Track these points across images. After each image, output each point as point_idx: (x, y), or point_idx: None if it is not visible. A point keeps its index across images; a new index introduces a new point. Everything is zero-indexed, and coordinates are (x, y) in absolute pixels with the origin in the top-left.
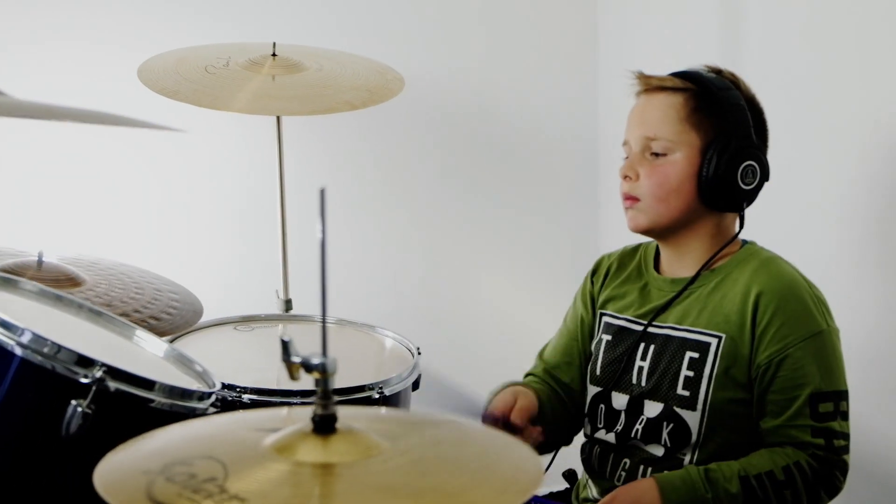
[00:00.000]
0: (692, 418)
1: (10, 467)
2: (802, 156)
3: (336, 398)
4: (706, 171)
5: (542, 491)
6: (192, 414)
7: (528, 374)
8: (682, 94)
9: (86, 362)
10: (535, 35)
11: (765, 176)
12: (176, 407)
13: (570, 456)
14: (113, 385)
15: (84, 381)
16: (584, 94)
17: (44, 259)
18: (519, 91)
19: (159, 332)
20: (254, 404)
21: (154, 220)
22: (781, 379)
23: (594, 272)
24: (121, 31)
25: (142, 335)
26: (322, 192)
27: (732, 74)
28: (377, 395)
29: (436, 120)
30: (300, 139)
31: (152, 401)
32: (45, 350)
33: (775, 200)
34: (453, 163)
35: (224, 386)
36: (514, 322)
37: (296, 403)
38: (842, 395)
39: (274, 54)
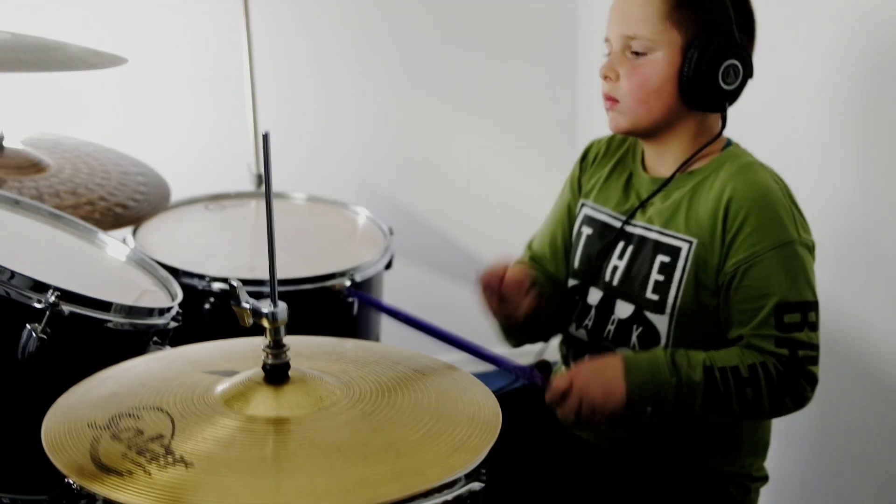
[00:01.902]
0: (661, 322)
1: None
2: (781, 32)
3: (309, 286)
4: (687, 71)
5: (517, 383)
6: (151, 331)
7: (518, 262)
8: None
9: (40, 287)
10: None
11: (748, 73)
12: (134, 326)
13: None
14: (67, 308)
15: (38, 305)
16: None
17: (4, 144)
18: None
19: (126, 221)
20: (223, 294)
21: (119, 94)
22: (747, 287)
23: (583, 158)
24: None
25: (103, 238)
26: (266, 137)
27: None
28: (349, 282)
29: None
30: (267, 18)
31: (109, 321)
32: None
33: (755, 77)
34: (429, 23)
35: (193, 275)
36: (495, 186)
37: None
38: (809, 306)
39: None
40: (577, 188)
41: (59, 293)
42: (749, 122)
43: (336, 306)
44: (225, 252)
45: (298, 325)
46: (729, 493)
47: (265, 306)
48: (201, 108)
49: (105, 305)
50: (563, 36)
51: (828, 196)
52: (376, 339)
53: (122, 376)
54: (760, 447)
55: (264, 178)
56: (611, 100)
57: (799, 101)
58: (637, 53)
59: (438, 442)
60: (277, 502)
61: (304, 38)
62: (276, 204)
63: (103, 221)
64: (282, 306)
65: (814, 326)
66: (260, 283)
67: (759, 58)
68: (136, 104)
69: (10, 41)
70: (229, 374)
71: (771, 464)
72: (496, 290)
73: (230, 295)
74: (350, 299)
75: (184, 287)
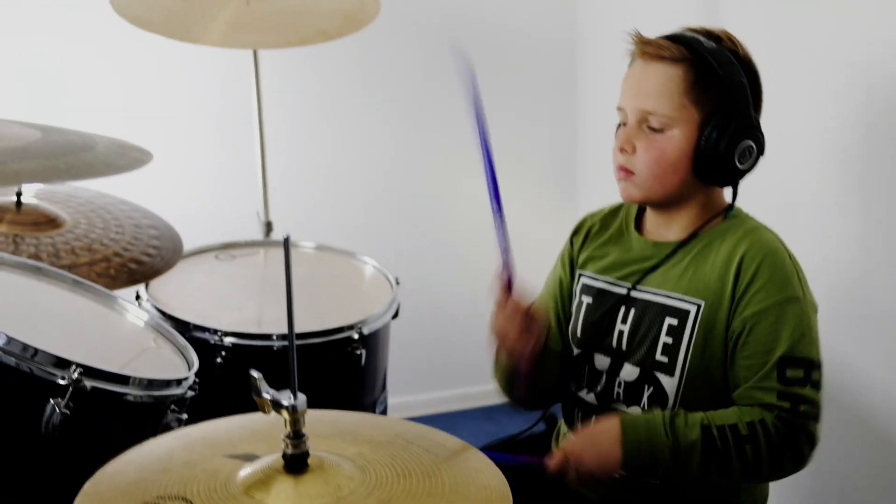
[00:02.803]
0: (670, 383)
1: None
2: (785, 89)
3: (318, 339)
4: (704, 149)
5: (523, 433)
6: (169, 400)
7: None
8: (681, 66)
9: (62, 363)
10: None
11: (761, 152)
12: (153, 397)
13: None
14: (89, 384)
15: (61, 382)
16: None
17: (23, 199)
18: None
19: (140, 276)
20: (234, 348)
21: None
22: (753, 342)
23: (575, 233)
24: None
25: (123, 304)
26: (286, 241)
27: (730, 37)
28: (356, 335)
29: (414, 33)
30: (278, 60)
31: (129, 394)
32: (22, 353)
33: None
34: (433, 73)
35: (205, 329)
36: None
37: (276, 348)
38: (813, 365)
39: None
40: (571, 263)
41: (81, 369)
42: (751, 178)
43: (344, 357)
44: (235, 304)
45: (308, 376)
46: None
47: (285, 398)
48: (212, 155)
49: (125, 379)
50: (564, 83)
51: (829, 251)
52: (383, 388)
53: (145, 459)
54: (759, 500)
55: (286, 282)
56: (626, 171)
57: (801, 158)
58: (654, 129)
59: None
60: None
61: (312, 88)
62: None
63: (118, 278)
64: (301, 399)
65: (816, 385)
66: (267, 337)
67: (763, 118)
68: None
69: (39, 142)
70: (250, 458)
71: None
72: (522, 316)
73: (252, 384)
74: (358, 351)
75: (196, 340)
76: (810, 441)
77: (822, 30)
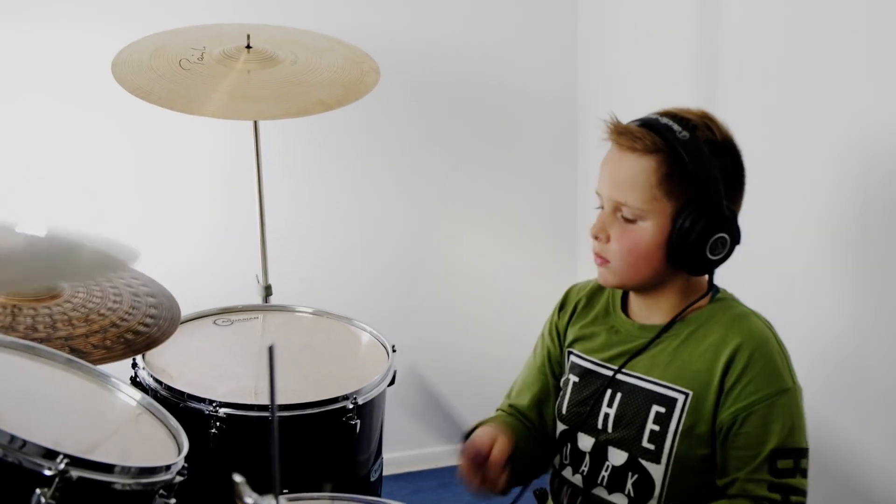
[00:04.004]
0: (656, 471)
1: None
2: (779, 160)
3: (313, 410)
4: (675, 240)
5: None
6: (157, 486)
7: (498, 410)
8: (654, 158)
9: (50, 455)
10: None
11: (735, 242)
12: (140, 485)
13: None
14: (76, 473)
15: (48, 472)
16: (563, 56)
17: None
18: (498, 59)
19: (137, 347)
20: (229, 418)
21: (130, 208)
22: (744, 435)
23: (562, 306)
24: (96, 20)
25: (116, 382)
26: (271, 350)
27: (707, 123)
28: (351, 405)
29: (414, 99)
30: (279, 126)
31: (116, 483)
32: (9, 444)
33: (753, 204)
34: (432, 138)
35: (200, 399)
36: (500, 290)
37: (267, 417)
38: (802, 454)
39: (248, 46)
40: (558, 335)
41: (68, 460)
42: (744, 249)
43: (339, 427)
44: (232, 373)
45: (302, 445)
46: None
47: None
48: (212, 219)
49: (111, 468)
50: (565, 145)
51: (822, 322)
52: (377, 454)
53: None
54: None
55: (269, 390)
56: (601, 259)
57: (795, 229)
58: (627, 219)
59: None
60: None
61: (312, 154)
62: (281, 318)
63: (115, 349)
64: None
65: (804, 473)
66: (263, 408)
67: (752, 185)
68: (147, 214)
69: (27, 247)
70: None
71: None
72: (480, 468)
73: (235, 489)
74: (353, 421)
75: (191, 410)
76: None
77: (819, 102)
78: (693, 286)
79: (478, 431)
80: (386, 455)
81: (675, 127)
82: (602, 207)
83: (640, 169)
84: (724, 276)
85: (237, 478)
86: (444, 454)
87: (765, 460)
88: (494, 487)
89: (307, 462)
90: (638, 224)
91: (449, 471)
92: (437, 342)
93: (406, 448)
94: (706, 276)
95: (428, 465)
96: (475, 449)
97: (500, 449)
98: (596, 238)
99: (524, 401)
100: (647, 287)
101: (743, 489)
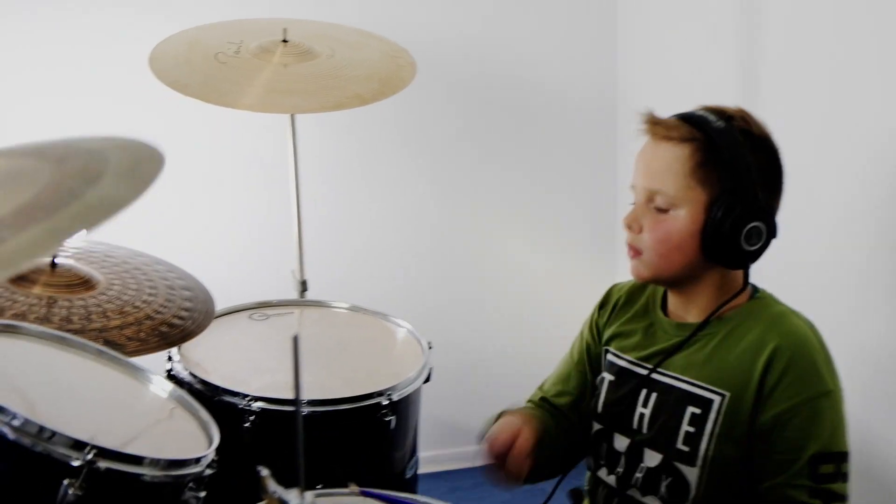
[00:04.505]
0: (691, 473)
1: None
2: (820, 161)
3: (347, 406)
4: (709, 230)
5: None
6: (187, 479)
7: (528, 401)
8: (688, 146)
9: (78, 446)
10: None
11: (771, 234)
12: (169, 477)
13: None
14: (104, 465)
15: (75, 463)
16: (603, 56)
17: (57, 260)
18: (536, 56)
19: (172, 340)
20: (263, 413)
21: (167, 202)
22: (784, 440)
23: (602, 304)
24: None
25: (148, 375)
26: (295, 341)
27: (744, 116)
28: (386, 402)
29: (450, 96)
30: (316, 121)
31: (144, 475)
32: (38, 434)
33: (793, 204)
34: (472, 129)
35: (234, 394)
36: (537, 289)
37: (306, 414)
38: (844, 458)
39: (285, 40)
40: (597, 333)
41: (96, 450)
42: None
43: (374, 423)
44: (266, 367)
45: (337, 442)
46: None
47: (293, 498)
48: (249, 214)
49: (140, 460)
50: (604, 145)
51: (861, 325)
52: (413, 452)
53: None
54: None
55: (294, 381)
56: (634, 250)
57: (834, 232)
58: (660, 209)
59: None
60: None
61: (349, 148)
62: (317, 313)
63: (149, 342)
64: (308, 499)
65: (845, 477)
66: (296, 402)
67: (793, 185)
68: (184, 209)
69: (51, 181)
70: None
71: None
72: (502, 460)
73: (261, 483)
74: (388, 418)
75: (225, 404)
76: None
77: (863, 95)
78: (729, 283)
79: (499, 423)
80: (422, 453)
81: (711, 117)
82: (634, 204)
83: (674, 157)
84: (763, 277)
85: (263, 471)
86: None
87: (805, 465)
88: (518, 477)
89: (341, 458)
90: (671, 213)
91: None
92: (472, 340)
93: (443, 446)
94: (742, 274)
95: (465, 464)
96: (497, 444)
97: (524, 439)
98: (629, 228)
99: (557, 393)
100: (682, 281)
101: (783, 495)
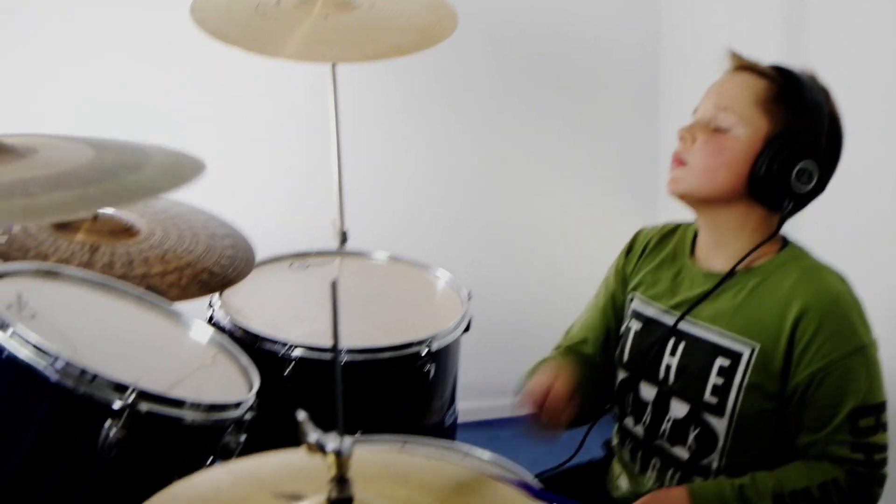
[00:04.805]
0: (719, 425)
1: (50, 487)
2: (863, 127)
3: (387, 355)
4: (763, 158)
5: (583, 457)
6: (227, 423)
7: (556, 348)
8: (766, 80)
9: (119, 388)
10: None
11: (820, 186)
12: (210, 421)
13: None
14: (145, 407)
15: (117, 405)
16: (646, 8)
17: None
18: (580, 10)
19: (212, 287)
20: (302, 361)
21: (209, 153)
22: (822, 395)
23: (629, 249)
24: None
25: (187, 319)
26: (334, 286)
27: (826, 86)
28: (425, 351)
29: (492, 44)
30: (357, 71)
31: (184, 418)
32: (80, 376)
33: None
34: (513, 80)
35: (275, 342)
36: (575, 241)
37: (345, 362)
38: (882, 408)
39: None
40: (624, 279)
41: (137, 393)
42: (834, 201)
43: (413, 373)
44: (306, 316)
45: (376, 391)
46: None
47: (331, 442)
48: (289, 164)
49: (181, 403)
50: (645, 91)
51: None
52: (451, 401)
53: (192, 494)
54: None
55: (332, 325)
56: (679, 161)
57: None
58: (720, 129)
59: None
60: None
61: (390, 99)
62: (357, 263)
63: (189, 289)
64: (347, 443)
65: (885, 427)
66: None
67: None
68: (225, 159)
69: (84, 166)
70: (296, 497)
71: None
72: (541, 409)
73: (299, 427)
74: (427, 367)
75: (265, 352)
76: (881, 483)
77: None
78: (762, 229)
79: (536, 375)
80: (461, 403)
81: (796, 69)
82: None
83: (749, 84)
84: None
85: (300, 415)
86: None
87: (845, 420)
88: (558, 425)
89: (381, 407)
90: (730, 134)
91: (516, 421)
92: (512, 289)
93: (482, 396)
94: (776, 222)
95: (503, 415)
96: (535, 392)
97: (561, 385)
98: (682, 139)
99: (583, 340)
100: (715, 205)
101: (823, 451)
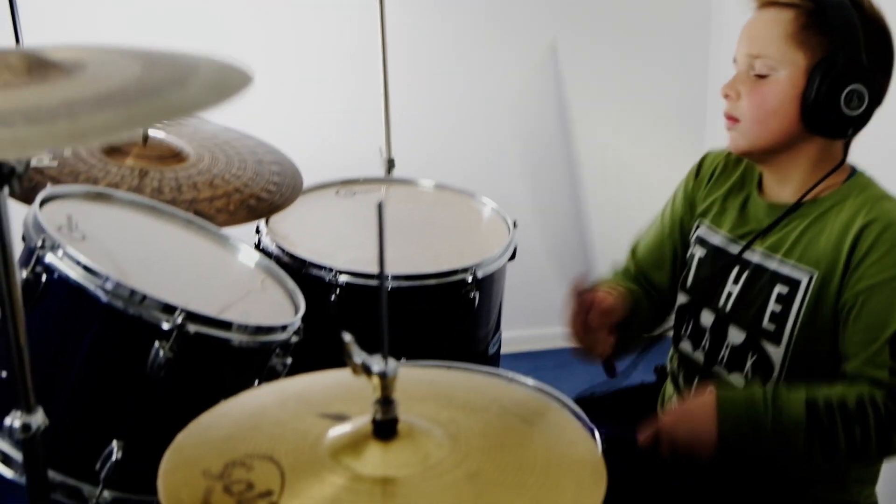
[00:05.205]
0: (776, 353)
1: (101, 406)
2: None
3: (433, 281)
4: (809, 93)
5: (634, 380)
6: (273, 346)
7: (619, 270)
8: (792, 10)
9: (168, 309)
10: None
11: (875, 100)
12: (257, 343)
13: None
14: (193, 328)
15: (166, 326)
16: None
17: (149, 133)
18: None
19: (259, 213)
20: (349, 287)
21: (257, 81)
22: (866, 317)
23: (698, 171)
24: None
25: (235, 244)
26: (380, 207)
27: None
28: (470, 278)
29: None
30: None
31: (232, 340)
32: (130, 297)
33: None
34: (563, 10)
35: (321, 267)
36: (625, 172)
37: (391, 289)
38: None
39: None
40: (691, 203)
41: (185, 314)
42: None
43: (458, 299)
44: (353, 242)
45: (421, 317)
46: None
47: (376, 364)
48: (337, 92)
49: (228, 325)
50: (698, 20)
51: None
52: (496, 329)
53: (238, 413)
54: (870, 474)
55: (378, 247)
56: (731, 119)
57: None
58: (760, 75)
59: None
60: None
61: (437, 26)
62: (403, 191)
63: (237, 214)
64: (392, 365)
65: None
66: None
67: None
68: (273, 87)
69: (131, 83)
70: (341, 418)
71: (882, 490)
72: (583, 316)
73: (344, 349)
74: (472, 294)
75: (311, 278)
76: None
77: None
78: (828, 158)
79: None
80: (505, 333)
81: None
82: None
83: (776, 20)
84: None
85: (346, 337)
86: (563, 335)
87: (886, 343)
88: (599, 347)
89: (425, 334)
90: (770, 78)
91: (567, 352)
92: (557, 219)
93: (526, 326)
94: (841, 151)
95: (547, 345)
96: (583, 298)
97: (605, 308)
98: (726, 97)
99: (648, 258)
100: (778, 152)
101: (862, 372)
